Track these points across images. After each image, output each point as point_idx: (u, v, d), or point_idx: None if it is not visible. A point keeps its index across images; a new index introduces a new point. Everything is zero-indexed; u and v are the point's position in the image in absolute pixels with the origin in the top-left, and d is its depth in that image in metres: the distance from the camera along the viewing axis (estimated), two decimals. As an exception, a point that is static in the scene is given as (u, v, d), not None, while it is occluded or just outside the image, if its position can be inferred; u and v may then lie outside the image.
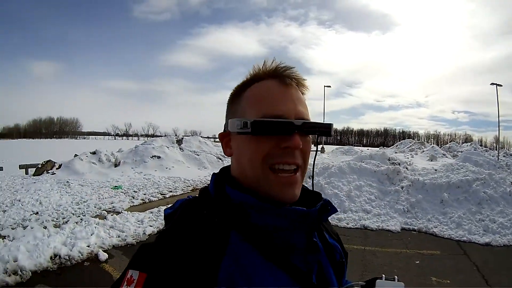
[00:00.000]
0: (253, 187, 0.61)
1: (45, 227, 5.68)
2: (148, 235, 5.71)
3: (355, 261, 5.40)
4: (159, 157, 13.24)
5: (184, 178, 11.24)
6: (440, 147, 22.37)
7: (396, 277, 0.72)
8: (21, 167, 12.95)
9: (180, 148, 15.35)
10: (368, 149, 23.48)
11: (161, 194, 8.85)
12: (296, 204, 0.62)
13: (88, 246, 4.87)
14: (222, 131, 0.68)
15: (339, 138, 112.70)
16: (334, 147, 35.22)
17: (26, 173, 12.36)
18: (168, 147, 14.55)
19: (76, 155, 12.94)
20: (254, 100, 0.64)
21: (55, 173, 11.51)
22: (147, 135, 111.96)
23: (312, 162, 0.73)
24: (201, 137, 20.63)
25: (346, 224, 7.04)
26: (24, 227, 5.78)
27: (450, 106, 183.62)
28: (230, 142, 0.66)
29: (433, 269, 5.10)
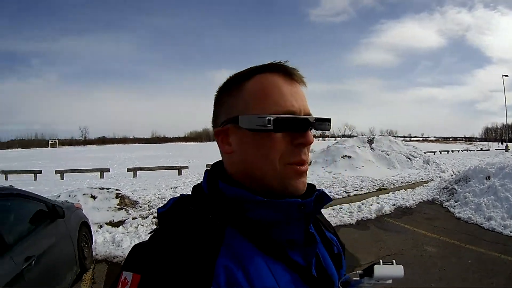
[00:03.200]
0: (265, 183, 0.59)
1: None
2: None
3: None
4: (349, 157, 13.22)
5: (372, 178, 10.87)
6: None
7: (394, 261, 0.70)
8: (208, 166, 15.93)
9: (371, 148, 14.91)
10: None
11: (346, 193, 8.83)
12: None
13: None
14: (213, 125, 0.65)
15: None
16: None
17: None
18: (359, 147, 14.36)
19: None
20: (262, 94, 0.60)
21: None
22: (343, 135, 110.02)
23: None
24: (393, 136, 19.55)
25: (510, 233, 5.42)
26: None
27: None
28: (228, 138, 0.62)
29: None
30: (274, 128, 0.56)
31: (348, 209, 6.95)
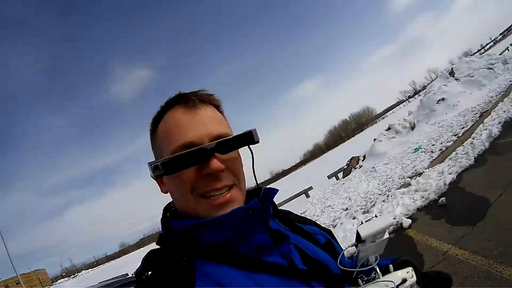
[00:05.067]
0: (194, 215, 0.62)
1: (353, 218, 6.08)
2: (449, 184, 5.33)
3: None
4: (443, 99, 12.15)
5: (471, 107, 9.74)
6: None
7: (375, 213, 0.90)
8: (329, 176, 14.16)
9: (455, 79, 13.49)
10: None
11: (454, 135, 7.82)
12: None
13: (394, 218, 5.02)
14: None
15: None
16: None
17: (337, 178, 13.46)
18: (445, 85, 13.04)
19: (374, 140, 13.27)
20: (164, 135, 0.63)
21: (362, 165, 12.31)
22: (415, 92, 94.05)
23: (252, 166, 0.73)
24: (469, 55, 16.67)
25: None
26: (334, 226, 6.20)
27: None
28: (162, 179, 0.67)
29: None
30: (166, 172, 0.59)
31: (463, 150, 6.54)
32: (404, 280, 0.65)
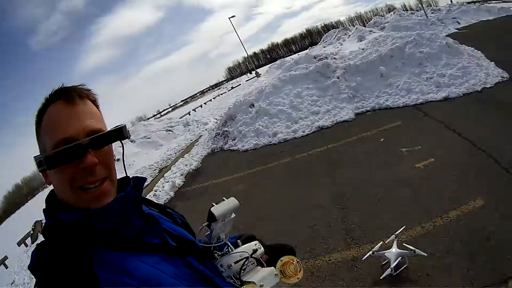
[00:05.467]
0: (75, 206, 0.65)
1: None
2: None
3: (323, 161, 4.95)
4: (118, 160, 9.88)
5: (148, 165, 10.14)
6: (366, 26, 22.24)
7: (223, 198, 0.84)
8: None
9: (131, 141, 13.58)
10: (298, 54, 22.20)
11: None
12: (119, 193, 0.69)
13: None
14: None
15: (268, 56, 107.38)
16: (267, 67, 33.05)
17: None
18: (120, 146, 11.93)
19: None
20: (47, 128, 0.66)
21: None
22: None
23: (122, 159, 0.79)
24: (145, 120, 19.69)
25: (302, 133, 6.59)
26: None
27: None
28: (46, 172, 0.68)
29: (400, 140, 4.85)
30: (49, 167, 0.63)
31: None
32: (254, 251, 0.82)
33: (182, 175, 7.29)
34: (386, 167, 4.22)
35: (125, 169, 0.82)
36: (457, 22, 20.30)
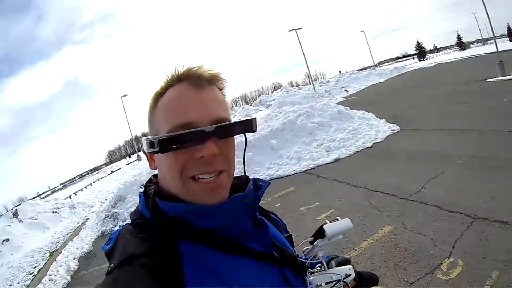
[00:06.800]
0: (181, 197, 0.60)
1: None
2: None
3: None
4: (7, 240, 10.67)
5: (38, 248, 9.35)
6: (251, 105, 23.52)
7: (338, 217, 0.79)
8: None
9: (19, 220, 12.54)
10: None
11: (30, 274, 6.98)
12: (232, 193, 0.63)
13: None
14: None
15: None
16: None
17: None
18: (9, 225, 12.09)
19: None
20: (166, 111, 0.60)
21: None
22: None
23: (243, 155, 0.75)
24: None
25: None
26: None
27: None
28: (152, 155, 0.63)
29: (297, 202, 5.21)
30: (161, 149, 0.56)
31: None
32: (347, 275, 0.77)
33: (75, 258, 6.87)
34: (289, 224, 4.33)
35: (244, 168, 0.77)
36: (345, 90, 21.80)
